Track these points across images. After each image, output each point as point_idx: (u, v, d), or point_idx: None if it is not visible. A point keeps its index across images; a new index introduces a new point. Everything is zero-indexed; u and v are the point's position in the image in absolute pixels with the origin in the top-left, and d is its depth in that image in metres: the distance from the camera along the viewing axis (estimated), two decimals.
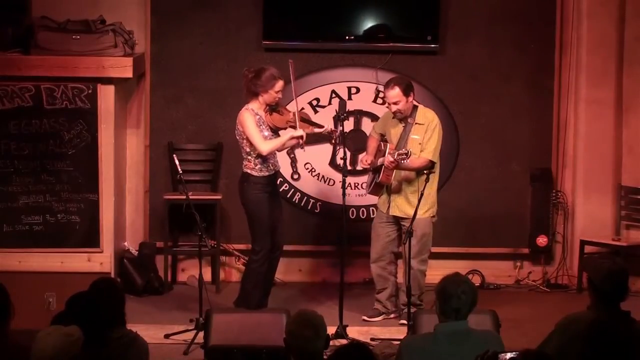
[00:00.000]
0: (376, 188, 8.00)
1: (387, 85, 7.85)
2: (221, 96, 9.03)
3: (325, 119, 8.96)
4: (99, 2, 8.89)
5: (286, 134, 7.71)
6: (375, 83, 9.09)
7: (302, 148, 7.77)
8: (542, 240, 9.15)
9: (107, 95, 8.36)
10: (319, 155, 9.10)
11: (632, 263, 8.51)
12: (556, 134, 9.23)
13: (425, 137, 7.83)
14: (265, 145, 7.57)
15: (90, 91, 8.32)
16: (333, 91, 9.15)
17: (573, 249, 9.21)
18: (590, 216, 9.17)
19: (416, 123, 7.87)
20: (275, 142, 7.67)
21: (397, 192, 7.93)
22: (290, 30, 9.03)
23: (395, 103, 7.79)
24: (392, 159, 7.63)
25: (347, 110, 8.90)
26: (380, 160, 7.85)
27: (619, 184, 9.12)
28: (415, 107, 7.92)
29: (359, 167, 8.77)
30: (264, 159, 7.65)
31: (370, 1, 9.04)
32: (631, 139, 9.05)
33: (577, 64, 9.13)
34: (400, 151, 7.58)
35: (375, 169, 7.96)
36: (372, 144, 8.13)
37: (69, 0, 8.85)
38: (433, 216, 7.97)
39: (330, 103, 9.16)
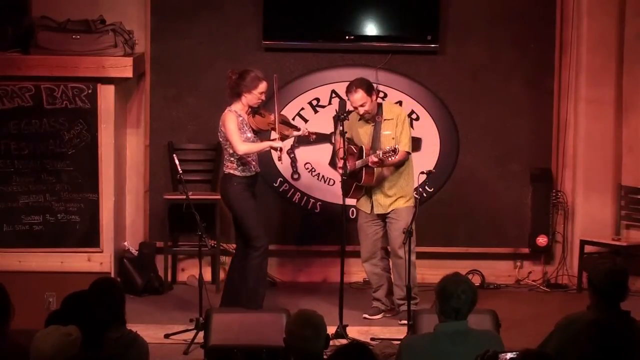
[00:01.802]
0: (357, 191, 7.99)
1: (350, 90, 7.86)
2: (221, 96, 8.96)
3: (325, 118, 9.00)
4: (99, 2, 8.89)
5: (266, 143, 7.72)
6: (376, 83, 9.06)
7: (279, 159, 7.77)
8: (542, 240, 9.14)
9: (107, 95, 8.37)
10: (319, 155, 9.10)
11: (632, 263, 8.51)
12: (556, 134, 9.22)
13: (397, 131, 7.86)
14: (242, 146, 7.57)
15: (90, 91, 8.32)
16: (333, 91, 9.15)
17: (573, 248, 9.21)
18: (590, 216, 9.17)
19: (385, 119, 7.90)
20: (253, 147, 7.66)
21: (377, 191, 7.94)
22: (290, 30, 9.03)
23: (362, 105, 7.82)
24: (376, 159, 7.62)
25: (347, 110, 8.88)
26: (358, 163, 7.84)
27: (619, 183, 9.12)
28: (379, 105, 7.95)
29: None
30: (245, 161, 7.65)
31: (370, 1, 9.03)
32: (631, 138, 9.04)
33: (577, 63, 9.12)
34: (386, 149, 7.58)
35: (351, 174, 7.88)
36: (340, 151, 8.05)
37: (69, 0, 8.85)
38: (414, 206, 7.95)
39: (330, 103, 9.16)
